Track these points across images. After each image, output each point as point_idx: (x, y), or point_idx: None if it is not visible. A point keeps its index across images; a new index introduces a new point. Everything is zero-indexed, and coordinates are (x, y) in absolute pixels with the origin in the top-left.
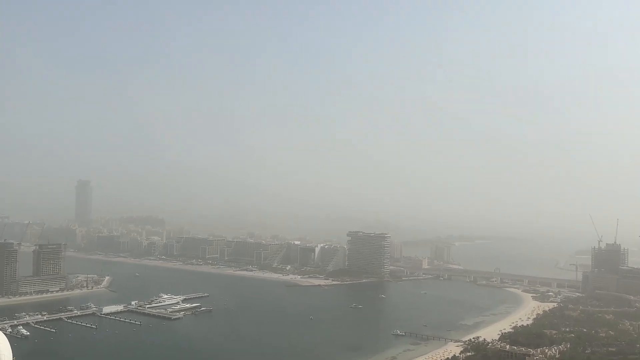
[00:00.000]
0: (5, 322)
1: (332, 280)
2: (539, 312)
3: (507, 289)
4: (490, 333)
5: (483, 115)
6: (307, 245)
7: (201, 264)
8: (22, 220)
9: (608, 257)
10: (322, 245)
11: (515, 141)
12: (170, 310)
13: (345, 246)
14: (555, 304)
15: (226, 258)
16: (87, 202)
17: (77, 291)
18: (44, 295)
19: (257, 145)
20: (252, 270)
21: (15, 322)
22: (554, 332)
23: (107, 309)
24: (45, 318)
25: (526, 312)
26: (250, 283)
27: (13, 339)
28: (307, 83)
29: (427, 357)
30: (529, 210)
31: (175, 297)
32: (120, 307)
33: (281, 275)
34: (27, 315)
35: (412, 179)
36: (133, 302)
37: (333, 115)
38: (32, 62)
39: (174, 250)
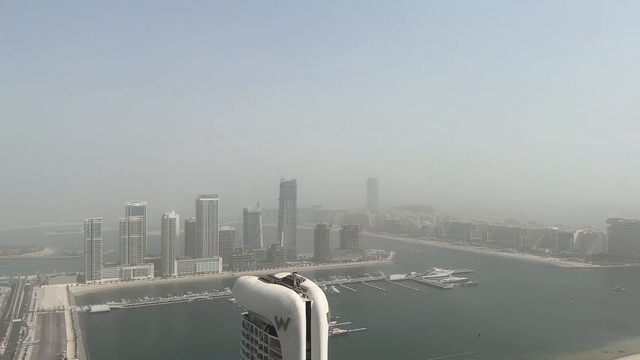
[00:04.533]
0: (322, 282)
1: (592, 264)
2: None
3: None
4: None
5: None
6: (565, 230)
7: (466, 245)
8: (331, 209)
9: None
10: (580, 230)
11: None
12: (442, 281)
13: (605, 232)
14: None
15: (488, 240)
16: (375, 194)
17: (370, 262)
18: (347, 263)
19: (522, 130)
20: (512, 252)
21: (329, 283)
22: None
23: (393, 277)
24: (349, 280)
25: None
26: (511, 263)
27: (327, 295)
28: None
29: None
30: None
31: (445, 270)
32: (403, 276)
33: (540, 257)
34: (336, 278)
35: None
36: (412, 273)
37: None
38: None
39: (443, 233)
